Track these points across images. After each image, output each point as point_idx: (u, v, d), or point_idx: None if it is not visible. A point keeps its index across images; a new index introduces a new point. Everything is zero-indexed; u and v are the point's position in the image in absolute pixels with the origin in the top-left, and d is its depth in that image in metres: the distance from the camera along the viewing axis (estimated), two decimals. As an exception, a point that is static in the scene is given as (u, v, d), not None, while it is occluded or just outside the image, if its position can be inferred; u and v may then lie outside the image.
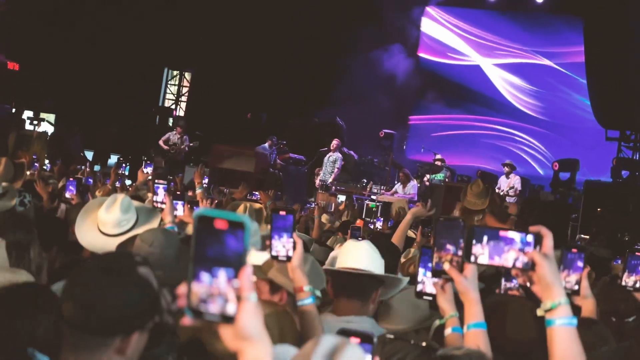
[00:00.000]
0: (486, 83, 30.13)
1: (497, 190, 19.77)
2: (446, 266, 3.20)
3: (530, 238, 2.96)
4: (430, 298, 4.51)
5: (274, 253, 4.01)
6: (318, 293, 4.26)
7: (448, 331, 4.54)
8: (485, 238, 2.99)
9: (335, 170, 23.51)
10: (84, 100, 27.47)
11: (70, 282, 2.97)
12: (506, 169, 21.63)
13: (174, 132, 24.31)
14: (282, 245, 4.05)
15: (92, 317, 2.83)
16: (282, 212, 4.06)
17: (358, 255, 5.04)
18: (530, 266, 2.95)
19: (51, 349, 3.09)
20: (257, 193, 12.68)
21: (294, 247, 4.07)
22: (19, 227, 5.85)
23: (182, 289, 1.94)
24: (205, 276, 1.91)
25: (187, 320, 1.94)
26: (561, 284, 2.99)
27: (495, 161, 24.20)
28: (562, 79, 29.23)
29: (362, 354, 2.31)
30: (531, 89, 29.86)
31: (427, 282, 4.51)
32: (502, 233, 2.99)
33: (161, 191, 6.88)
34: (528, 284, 3.04)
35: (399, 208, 14.08)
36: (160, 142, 24.12)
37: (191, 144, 24.12)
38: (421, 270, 4.51)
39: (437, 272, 3.35)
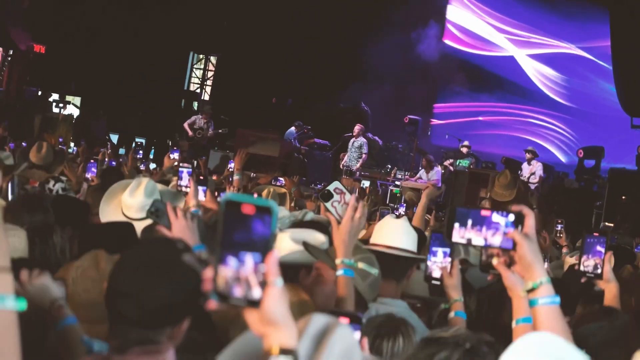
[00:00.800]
0: (512, 69, 29.95)
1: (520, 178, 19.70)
2: (494, 261, 3.20)
3: (512, 218, 2.97)
4: (438, 282, 4.54)
5: None
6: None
7: (452, 315, 4.57)
8: (468, 219, 3.00)
9: (363, 156, 23.52)
10: (109, 84, 27.53)
11: (117, 277, 3.00)
12: (528, 156, 21.50)
13: (200, 117, 24.33)
14: None
15: (144, 312, 2.88)
16: None
17: (396, 233, 5.05)
18: (512, 246, 2.96)
19: None
20: (281, 179, 12.66)
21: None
22: (36, 209, 5.90)
23: (208, 273, 1.95)
24: (231, 260, 1.92)
25: (212, 304, 1.95)
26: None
27: (520, 148, 24.07)
28: (588, 65, 29.04)
29: (352, 335, 2.31)
30: (557, 76, 29.70)
31: (434, 267, 4.54)
32: (483, 213, 3.00)
33: (185, 175, 6.90)
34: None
35: (410, 194, 14.09)
36: (185, 125, 24.13)
37: (220, 131, 24.15)
38: (429, 256, 4.55)
39: (485, 267, 3.36)
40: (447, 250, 4.63)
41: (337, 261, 4.05)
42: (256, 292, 1.95)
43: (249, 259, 1.93)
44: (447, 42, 30.49)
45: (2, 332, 1.90)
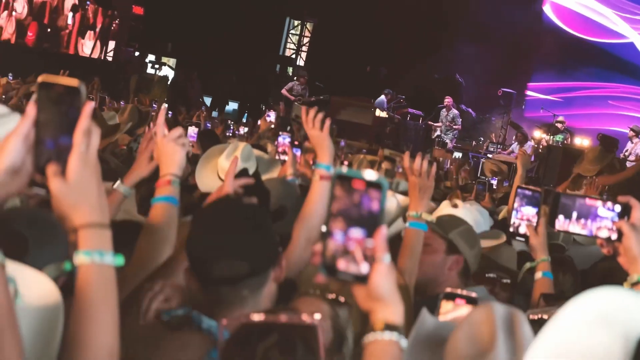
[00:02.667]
0: (615, 41, 29.27)
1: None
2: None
3: (618, 208, 2.89)
4: (523, 239, 4.47)
5: None
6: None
7: (539, 275, 4.49)
8: (572, 206, 2.94)
9: (455, 127, 23.42)
10: (204, 46, 27.74)
11: (202, 242, 2.99)
12: (630, 133, 21.03)
13: (297, 83, 24.43)
14: None
15: (249, 264, 2.92)
16: None
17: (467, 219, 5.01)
18: (618, 237, 2.89)
19: None
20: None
21: None
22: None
23: (317, 246, 1.94)
24: (340, 235, 1.91)
25: (320, 278, 1.95)
26: None
27: (620, 126, 23.55)
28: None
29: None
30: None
31: (520, 224, 4.46)
32: (589, 202, 2.93)
33: (281, 141, 6.91)
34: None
35: (491, 169, 13.88)
36: (284, 92, 24.28)
37: (321, 97, 24.21)
38: (514, 213, 4.48)
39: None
40: (535, 207, 4.54)
41: (408, 213, 4.10)
42: (364, 268, 1.95)
43: (358, 233, 1.92)
44: (547, 10, 29.92)
45: (101, 285, 2.01)
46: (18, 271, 2.04)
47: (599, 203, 2.93)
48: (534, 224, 4.46)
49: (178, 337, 2.80)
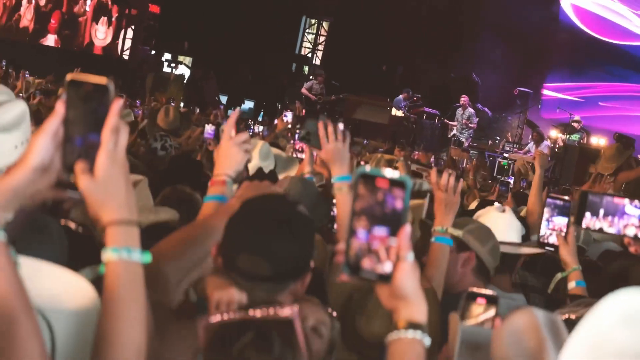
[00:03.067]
0: (633, 44, 29.13)
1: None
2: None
3: None
4: (552, 249, 4.46)
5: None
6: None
7: (572, 285, 4.47)
8: (599, 204, 2.94)
9: (471, 125, 23.39)
10: (220, 45, 27.77)
11: (238, 235, 3.00)
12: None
13: (316, 81, 24.48)
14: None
15: (272, 267, 2.89)
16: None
17: (501, 227, 5.01)
18: None
19: None
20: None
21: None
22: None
23: (340, 245, 1.95)
24: (363, 233, 1.92)
25: (344, 277, 1.95)
26: None
27: (636, 126, 23.42)
28: None
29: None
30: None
31: (550, 234, 4.45)
32: (616, 200, 2.93)
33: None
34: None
35: (521, 166, 13.83)
36: (304, 91, 24.36)
37: (341, 96, 24.29)
38: (545, 223, 4.46)
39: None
40: (566, 217, 4.53)
41: (434, 228, 4.10)
42: (387, 267, 1.95)
43: (381, 232, 1.92)
44: (564, 7, 29.79)
45: (129, 282, 2.02)
46: (57, 274, 2.05)
47: (626, 201, 2.93)
48: (564, 234, 4.45)
49: (184, 326, 2.80)
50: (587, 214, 2.93)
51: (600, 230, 2.93)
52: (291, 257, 2.95)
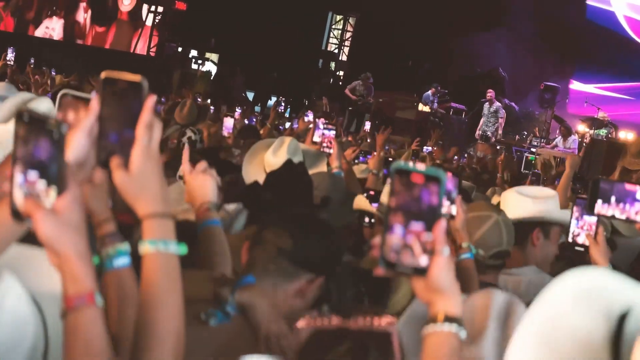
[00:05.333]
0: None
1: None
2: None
3: None
4: (582, 249, 4.44)
5: None
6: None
7: None
8: (611, 192, 2.95)
9: (499, 121, 23.33)
10: (247, 41, 27.81)
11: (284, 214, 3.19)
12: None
13: (360, 82, 24.68)
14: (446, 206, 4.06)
15: (291, 246, 3.03)
16: (448, 173, 4.04)
17: (509, 202, 4.99)
18: None
19: None
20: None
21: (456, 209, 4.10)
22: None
23: (376, 239, 1.99)
24: (399, 228, 1.94)
25: (380, 271, 1.97)
26: None
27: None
28: None
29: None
30: None
31: (580, 233, 4.43)
32: (628, 187, 2.94)
33: (328, 134, 6.93)
34: None
35: (545, 160, 13.73)
36: (347, 91, 24.54)
37: (380, 100, 24.44)
38: (574, 222, 4.44)
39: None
40: (594, 216, 4.49)
41: (463, 244, 4.10)
42: (423, 261, 1.97)
43: (417, 227, 1.94)
44: (591, 3, 29.63)
45: (167, 273, 2.11)
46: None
47: (637, 188, 2.94)
48: (594, 233, 4.42)
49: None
50: (599, 202, 2.94)
51: (612, 216, 2.94)
52: (311, 251, 3.07)
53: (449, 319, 2.05)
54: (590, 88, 28.67)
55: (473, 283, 4.05)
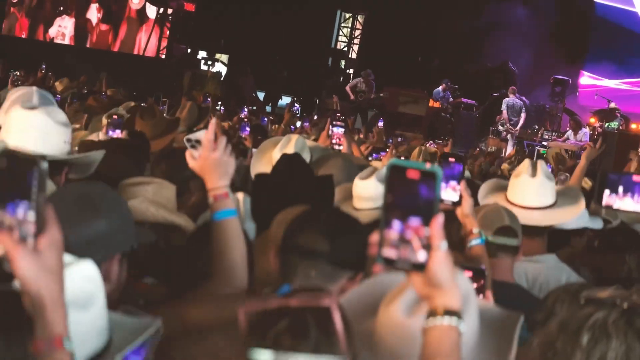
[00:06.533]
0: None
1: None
2: None
3: None
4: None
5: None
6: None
7: None
8: (618, 183, 2.97)
9: (523, 115, 23.42)
10: (256, 41, 27.83)
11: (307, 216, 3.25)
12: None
13: (361, 80, 24.70)
14: (449, 191, 4.02)
15: (330, 246, 3.09)
16: (452, 159, 4.03)
17: (530, 191, 4.97)
18: None
19: None
20: (433, 142, 12.66)
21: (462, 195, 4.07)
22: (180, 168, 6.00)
23: (374, 237, 2.00)
24: (396, 224, 1.96)
25: (377, 268, 1.99)
26: None
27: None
28: None
29: (468, 282, 2.39)
30: None
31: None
32: (635, 178, 2.95)
33: (337, 131, 6.96)
34: None
35: (556, 154, 13.69)
36: (347, 89, 24.58)
37: (381, 94, 24.47)
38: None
39: None
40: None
41: (473, 230, 4.09)
42: (421, 256, 1.98)
43: (414, 222, 1.96)
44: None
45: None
46: None
47: None
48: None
49: None
50: (606, 192, 2.96)
51: (619, 207, 2.95)
52: (348, 247, 3.10)
53: (448, 312, 2.06)
54: (600, 81, 28.57)
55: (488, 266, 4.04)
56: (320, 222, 3.20)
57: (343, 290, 3.04)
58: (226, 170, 3.41)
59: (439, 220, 1.99)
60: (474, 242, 4.09)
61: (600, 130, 22.23)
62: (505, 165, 12.28)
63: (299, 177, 4.46)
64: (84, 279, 2.23)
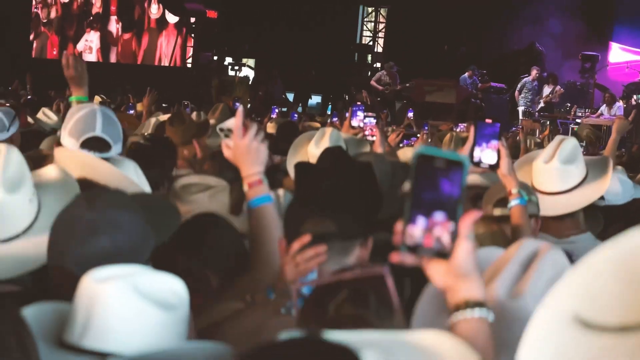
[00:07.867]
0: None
1: None
2: None
3: None
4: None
5: (476, 160, 3.84)
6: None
7: None
8: None
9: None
10: (281, 43, 27.86)
11: (309, 197, 3.38)
12: None
13: (384, 72, 24.78)
14: (488, 153, 3.93)
15: (336, 227, 3.12)
16: (489, 120, 3.94)
17: (551, 176, 4.87)
18: None
19: None
20: (462, 125, 12.53)
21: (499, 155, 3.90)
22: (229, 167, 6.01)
23: (398, 225, 1.98)
24: (422, 213, 1.96)
25: (395, 257, 1.97)
26: None
27: None
28: None
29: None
30: None
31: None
32: None
33: (369, 123, 6.96)
34: None
35: (587, 131, 13.54)
36: (373, 82, 24.65)
37: (407, 85, 24.51)
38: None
39: None
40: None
41: (512, 190, 4.01)
42: (446, 244, 1.97)
43: (440, 212, 1.96)
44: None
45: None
46: None
47: None
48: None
49: None
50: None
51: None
52: (351, 217, 3.18)
53: (477, 304, 2.02)
54: (630, 54, 28.29)
55: (525, 230, 3.97)
56: (317, 204, 3.24)
57: (360, 259, 3.13)
58: (258, 157, 3.39)
59: (465, 210, 1.97)
60: (514, 202, 4.01)
61: (634, 102, 22.07)
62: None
63: (343, 168, 4.48)
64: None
